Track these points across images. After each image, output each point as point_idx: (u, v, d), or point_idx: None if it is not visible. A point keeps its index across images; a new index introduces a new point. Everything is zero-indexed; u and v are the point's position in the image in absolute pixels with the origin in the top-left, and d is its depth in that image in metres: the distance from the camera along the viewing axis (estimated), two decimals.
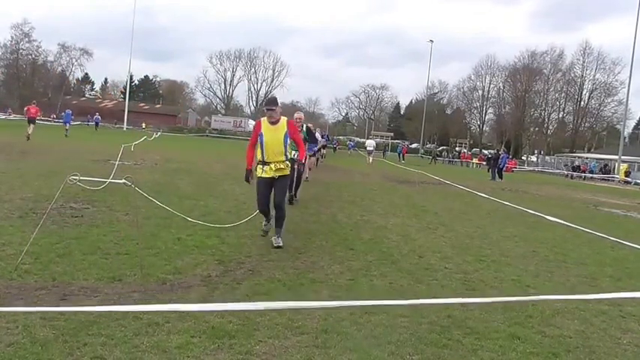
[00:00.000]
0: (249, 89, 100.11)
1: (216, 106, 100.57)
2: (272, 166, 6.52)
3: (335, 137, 64.83)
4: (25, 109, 24.40)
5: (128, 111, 71.59)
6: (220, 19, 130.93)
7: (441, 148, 78.43)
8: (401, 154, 48.70)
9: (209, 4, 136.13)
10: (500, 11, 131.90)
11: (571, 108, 79.68)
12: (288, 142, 6.67)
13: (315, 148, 14.57)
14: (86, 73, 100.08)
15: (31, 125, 25.14)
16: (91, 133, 41.71)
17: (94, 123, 52.22)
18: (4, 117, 51.38)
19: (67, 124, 35.30)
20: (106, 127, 58.05)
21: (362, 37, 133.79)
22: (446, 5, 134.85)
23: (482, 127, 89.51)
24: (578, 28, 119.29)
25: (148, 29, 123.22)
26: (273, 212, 6.71)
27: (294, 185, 11.28)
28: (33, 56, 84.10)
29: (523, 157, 72.20)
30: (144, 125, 68.28)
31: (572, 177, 47.59)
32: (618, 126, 67.79)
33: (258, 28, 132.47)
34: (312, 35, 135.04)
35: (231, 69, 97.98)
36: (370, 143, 40.02)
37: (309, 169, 14.19)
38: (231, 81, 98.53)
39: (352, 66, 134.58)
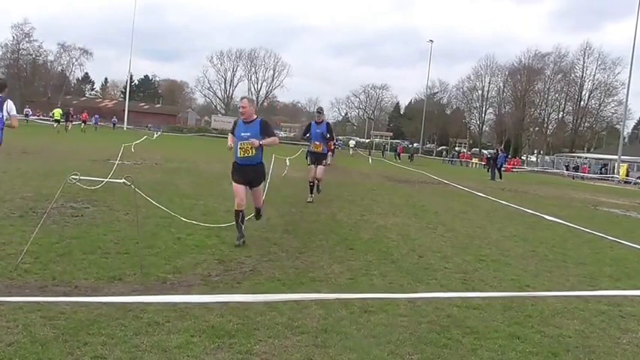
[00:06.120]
0: (250, 89, 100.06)
1: (216, 106, 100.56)
2: None
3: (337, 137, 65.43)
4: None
5: (128, 111, 71.68)
6: (231, 18, 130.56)
7: (440, 148, 78.72)
8: (397, 153, 56.22)
9: (220, 4, 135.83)
10: (518, 11, 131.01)
11: (571, 108, 79.64)
12: None
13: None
14: (86, 73, 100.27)
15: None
16: (110, 132, 48.69)
17: (111, 124, 62.97)
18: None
19: (96, 124, 51.95)
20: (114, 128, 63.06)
21: (373, 37, 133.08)
22: (462, 5, 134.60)
23: (482, 126, 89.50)
24: (599, 28, 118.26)
25: (155, 29, 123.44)
26: None
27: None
28: (33, 56, 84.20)
29: (523, 157, 72.23)
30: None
31: (573, 177, 47.61)
32: (618, 126, 67.82)
33: (269, 27, 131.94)
34: (323, 34, 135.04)
35: (231, 69, 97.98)
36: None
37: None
38: (231, 81, 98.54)
39: (361, 66, 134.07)
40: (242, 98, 6.99)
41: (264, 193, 7.29)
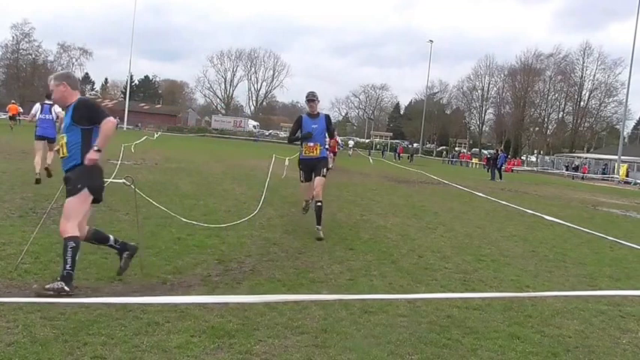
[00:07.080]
0: (250, 89, 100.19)
1: (216, 106, 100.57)
2: None
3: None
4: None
5: (128, 111, 71.76)
6: (231, 18, 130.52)
7: (440, 148, 78.85)
8: (397, 154, 56.79)
9: (220, 4, 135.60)
10: (524, 10, 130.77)
11: (571, 108, 79.63)
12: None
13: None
14: (86, 73, 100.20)
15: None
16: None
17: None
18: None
19: None
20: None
21: (374, 37, 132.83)
22: (464, 5, 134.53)
23: (482, 127, 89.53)
24: (604, 28, 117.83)
25: (156, 29, 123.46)
26: None
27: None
28: (33, 56, 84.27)
29: (522, 157, 72.28)
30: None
31: (573, 177, 47.64)
32: (618, 126, 67.85)
33: (269, 27, 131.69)
34: (323, 34, 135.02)
35: (231, 69, 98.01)
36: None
37: None
38: (231, 81, 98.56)
39: (362, 66, 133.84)
40: (49, 79, 4.91)
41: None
